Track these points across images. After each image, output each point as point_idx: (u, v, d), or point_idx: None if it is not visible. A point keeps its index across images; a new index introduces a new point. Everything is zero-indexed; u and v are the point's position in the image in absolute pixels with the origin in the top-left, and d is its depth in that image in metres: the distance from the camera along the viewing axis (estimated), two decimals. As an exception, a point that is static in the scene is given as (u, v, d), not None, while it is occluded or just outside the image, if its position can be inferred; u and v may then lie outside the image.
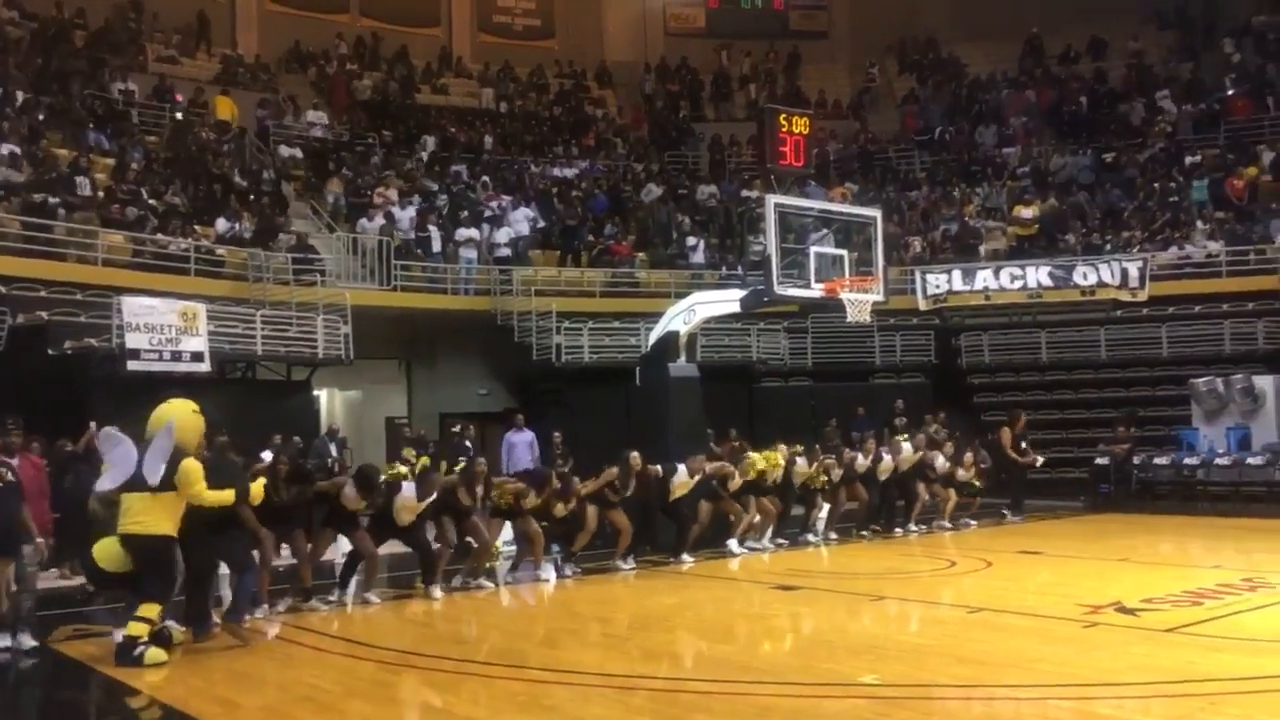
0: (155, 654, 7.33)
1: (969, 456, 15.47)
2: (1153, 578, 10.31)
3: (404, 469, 10.53)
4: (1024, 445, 16.67)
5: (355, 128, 24.07)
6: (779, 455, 13.02)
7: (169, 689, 6.81)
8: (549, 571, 11.36)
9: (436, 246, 19.93)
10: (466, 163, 23.86)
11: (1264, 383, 17.53)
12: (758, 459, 12.91)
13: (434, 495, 10.29)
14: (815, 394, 20.00)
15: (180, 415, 7.82)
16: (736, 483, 12.64)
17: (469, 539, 10.93)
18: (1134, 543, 13.41)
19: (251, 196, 19.59)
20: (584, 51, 30.68)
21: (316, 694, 6.71)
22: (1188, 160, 23.53)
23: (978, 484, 15.54)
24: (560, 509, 11.22)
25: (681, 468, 12.04)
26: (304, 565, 9.75)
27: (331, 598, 9.85)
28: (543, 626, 9.41)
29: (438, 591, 10.19)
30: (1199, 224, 21.52)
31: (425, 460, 11.50)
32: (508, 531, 11.69)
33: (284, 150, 21.85)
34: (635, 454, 11.65)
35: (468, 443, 15.34)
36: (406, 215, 20.39)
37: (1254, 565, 10.93)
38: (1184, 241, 21.35)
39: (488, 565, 11.09)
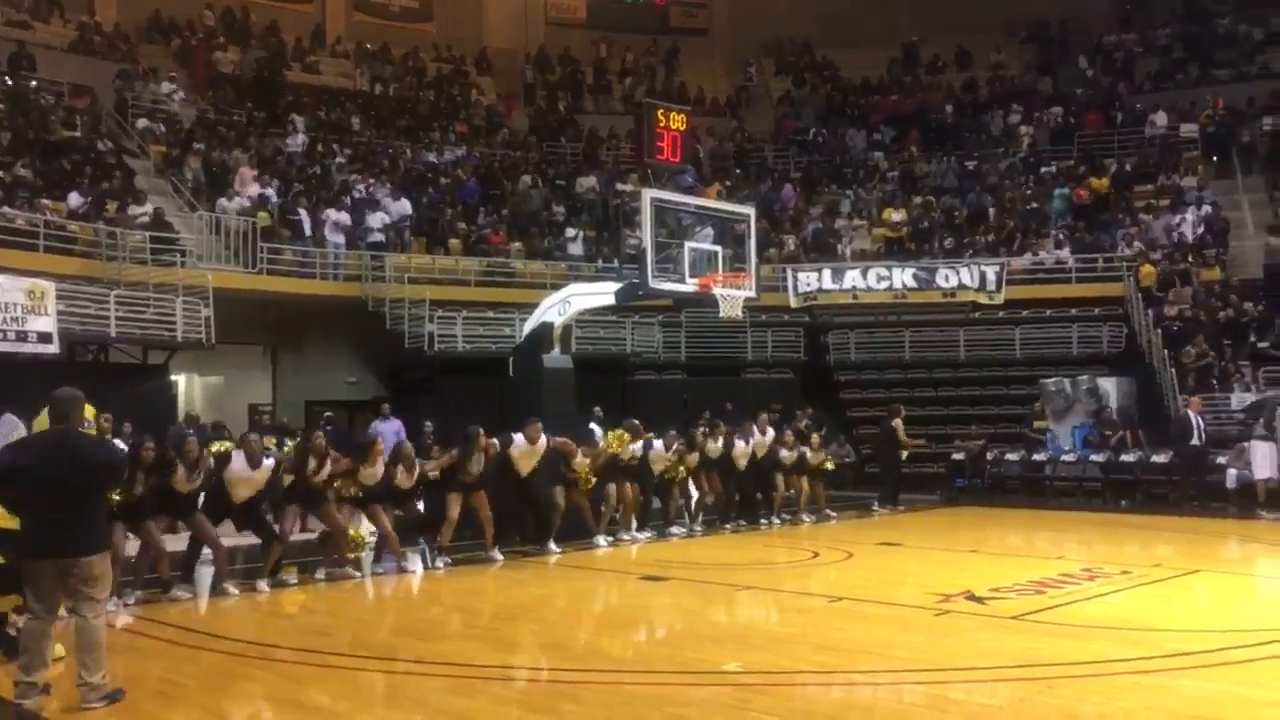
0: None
1: (815, 438, 15.85)
2: (1001, 568, 10.79)
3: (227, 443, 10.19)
4: (901, 436, 17.25)
5: (220, 103, 23.19)
6: (625, 434, 13.04)
7: (7, 682, 6.46)
8: (416, 563, 11.20)
9: (306, 230, 19.38)
10: (337, 144, 23.26)
11: (1108, 384, 18.57)
12: (610, 437, 12.90)
13: (270, 461, 9.97)
14: (688, 387, 20.25)
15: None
16: (584, 463, 12.56)
17: (325, 529, 10.69)
18: (985, 535, 14.02)
19: (114, 171, 18.68)
20: (462, 37, 30.28)
21: (168, 688, 6.48)
22: (1044, 170, 24.69)
23: (830, 466, 15.84)
24: (403, 479, 11.01)
25: (518, 437, 11.90)
26: (160, 556, 9.39)
27: (185, 592, 9.48)
28: (408, 618, 9.28)
29: (265, 584, 9.89)
30: (1052, 232, 22.61)
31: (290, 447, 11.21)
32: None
33: (142, 123, 20.88)
34: (477, 428, 11.45)
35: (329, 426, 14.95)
36: (273, 196, 19.75)
37: (1093, 556, 11.58)
38: (1038, 248, 22.40)
39: (352, 556, 10.85)
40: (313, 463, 10.24)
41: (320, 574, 10.56)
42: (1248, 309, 18.71)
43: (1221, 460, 15.52)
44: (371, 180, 21.73)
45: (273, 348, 19.81)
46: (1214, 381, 17.48)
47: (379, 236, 20.20)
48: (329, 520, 10.58)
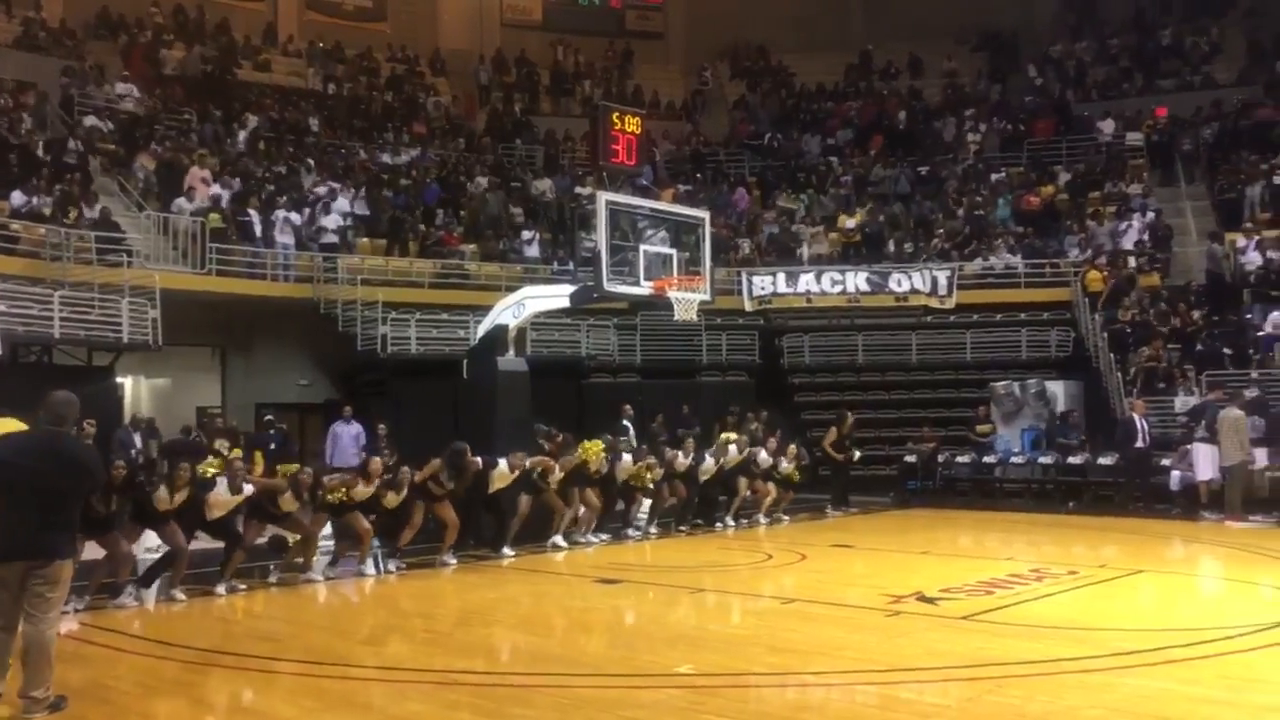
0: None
1: (791, 449, 15.99)
2: (951, 569, 10.92)
3: (215, 463, 10.16)
4: (847, 444, 17.36)
5: (170, 102, 22.84)
6: (600, 444, 13.10)
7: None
8: (371, 567, 11.10)
9: (257, 230, 19.13)
10: (290, 144, 23.00)
11: (1055, 387, 18.86)
12: (586, 447, 12.99)
13: (249, 489, 9.97)
14: (643, 390, 20.26)
15: None
16: (558, 476, 12.63)
17: (284, 534, 10.59)
18: (936, 536, 14.18)
19: (60, 170, 18.30)
20: (416, 37, 30.08)
21: (112, 695, 6.36)
22: (994, 177, 25.03)
23: (797, 478, 16.03)
24: (391, 499, 10.98)
25: (503, 462, 11.98)
26: (124, 565, 9.26)
27: (131, 599, 9.31)
28: (360, 622, 9.19)
29: (223, 589, 9.82)
30: (1002, 238, 22.93)
31: (238, 451, 11.08)
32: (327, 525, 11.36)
33: (90, 121, 20.50)
34: (465, 445, 11.52)
35: (274, 429, 14.89)
36: (224, 196, 19.48)
37: (1041, 557, 11.76)
38: (988, 253, 22.70)
39: (304, 559, 10.73)
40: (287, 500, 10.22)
41: (273, 578, 10.46)
42: (1194, 315, 19.09)
43: (1166, 462, 15.82)
44: (325, 181, 21.51)
45: (222, 349, 19.54)
46: (1160, 385, 17.79)
47: (332, 237, 19.99)
48: (298, 527, 10.49)
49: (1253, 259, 19.56)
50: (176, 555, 9.61)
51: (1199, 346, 18.32)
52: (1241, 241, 20.10)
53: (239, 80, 25.10)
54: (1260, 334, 17.81)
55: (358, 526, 10.85)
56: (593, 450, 13.03)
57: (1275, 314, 17.94)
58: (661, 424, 18.04)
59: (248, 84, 25.15)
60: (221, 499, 9.90)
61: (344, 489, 10.70)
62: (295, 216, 19.72)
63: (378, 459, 11.26)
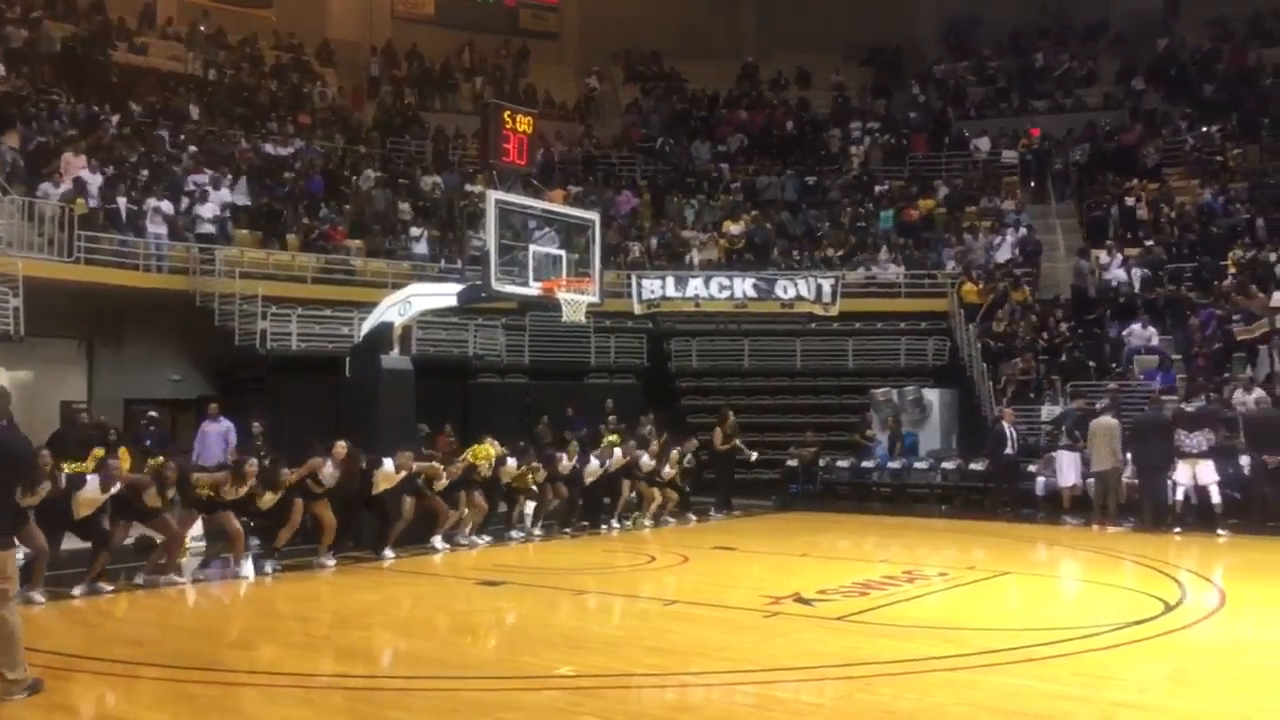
0: None
1: (674, 454, 16.13)
2: (829, 571, 11.19)
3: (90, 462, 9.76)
4: (737, 441, 17.58)
5: (39, 82, 21.76)
6: (489, 447, 13.01)
7: None
8: (247, 568, 10.78)
9: (125, 218, 18.36)
10: (167, 131, 22.16)
11: (932, 395, 19.50)
12: (475, 451, 12.87)
13: (117, 486, 9.59)
14: (531, 391, 20.18)
15: None
16: (443, 481, 12.50)
17: (152, 534, 10.22)
18: (816, 539, 14.48)
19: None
20: (304, 26, 29.33)
21: (-41, 706, 6.03)
22: (877, 189, 25.74)
23: (680, 482, 16.20)
24: (268, 499, 10.69)
25: (388, 462, 11.78)
26: None
27: None
28: (232, 625, 8.92)
29: (80, 591, 9.42)
30: (884, 248, 23.60)
31: (99, 452, 10.61)
32: (197, 526, 11.01)
33: (-52, 99, 19.41)
34: (341, 444, 11.30)
35: (152, 426, 14.33)
36: (95, 182, 18.66)
37: (915, 559, 12.13)
38: (871, 263, 23.33)
39: (180, 560, 10.37)
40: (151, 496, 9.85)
41: (140, 580, 10.06)
42: (1061, 328, 19.96)
43: (1032, 469, 16.49)
44: (203, 169, 20.79)
45: (89, 342, 18.68)
46: (1031, 395, 18.55)
47: (209, 228, 19.34)
48: (164, 528, 10.12)
49: (1116, 275, 20.58)
50: (36, 556, 9.16)
51: (1063, 358, 19.18)
52: (1104, 258, 21.13)
53: (114, 63, 24.09)
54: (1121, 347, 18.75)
55: (229, 527, 10.52)
56: (482, 454, 12.92)
57: (1135, 327, 18.92)
58: (547, 426, 18.00)
59: (123, 66, 24.14)
60: (89, 496, 9.52)
61: (213, 486, 10.35)
62: (166, 205, 19.00)
63: (254, 461, 10.92)
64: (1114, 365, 18.54)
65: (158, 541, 10.38)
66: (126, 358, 18.71)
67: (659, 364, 21.79)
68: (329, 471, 11.14)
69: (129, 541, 10.56)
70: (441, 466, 12.47)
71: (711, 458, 17.52)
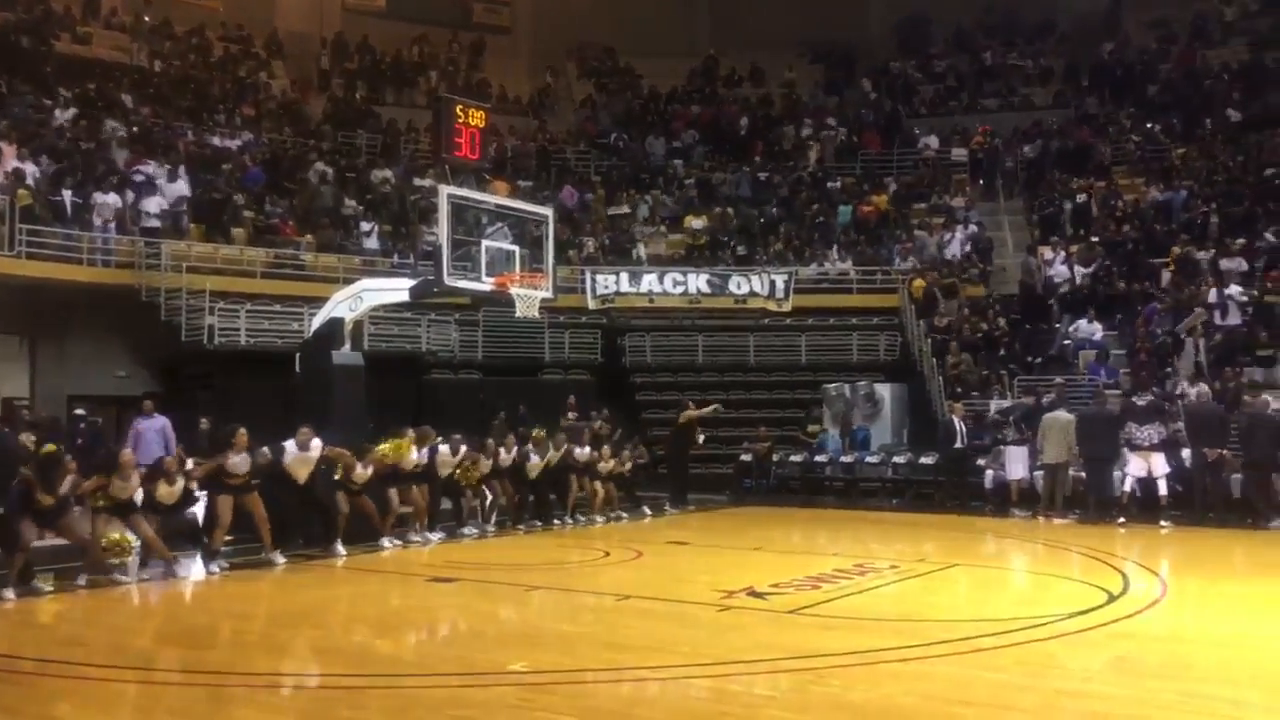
0: None
1: (626, 452, 16.12)
2: (782, 564, 11.24)
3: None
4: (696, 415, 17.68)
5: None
6: (407, 441, 12.78)
7: None
8: (190, 568, 10.59)
9: (69, 211, 17.99)
10: (112, 122, 21.72)
11: (883, 390, 19.68)
12: (384, 448, 12.53)
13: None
14: (484, 387, 20.07)
15: None
16: (363, 474, 12.22)
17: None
18: (769, 533, 14.57)
19: None
20: (252, 17, 28.91)
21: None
22: (830, 185, 25.92)
23: (626, 475, 16.13)
24: (164, 491, 10.47)
25: (289, 444, 11.47)
26: None
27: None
28: (175, 625, 8.77)
29: (10, 594, 9.13)
30: (836, 245, 23.78)
31: (51, 447, 10.37)
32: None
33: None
34: (242, 430, 11.05)
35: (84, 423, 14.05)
36: (30, 173, 18.23)
37: (867, 552, 12.23)
38: (823, 259, 23.50)
39: (116, 562, 10.15)
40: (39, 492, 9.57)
41: (81, 580, 9.85)
42: (1001, 324, 20.24)
43: (981, 462, 16.71)
44: (148, 162, 20.41)
45: (31, 337, 18.29)
46: (974, 391, 18.78)
47: (155, 222, 19.00)
48: (68, 534, 9.88)
49: (1060, 272, 20.91)
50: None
51: (1001, 352, 19.47)
52: (1049, 254, 21.47)
53: (56, 52, 23.58)
54: (1066, 342, 19.06)
55: (141, 533, 10.21)
56: (391, 446, 12.62)
57: (1081, 322, 19.24)
58: (505, 422, 17.89)
59: (65, 56, 23.64)
60: None
61: (100, 494, 10.05)
62: (113, 198, 18.64)
63: (127, 452, 10.63)
64: (1046, 358, 18.82)
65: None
66: (70, 354, 18.35)
67: (613, 360, 21.77)
68: (235, 460, 10.91)
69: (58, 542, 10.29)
70: (353, 457, 12.08)
71: (669, 452, 17.51)
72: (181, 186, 20.14)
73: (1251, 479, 14.15)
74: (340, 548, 11.82)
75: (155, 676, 6.62)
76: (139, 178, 19.76)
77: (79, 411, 15.61)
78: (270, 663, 7.04)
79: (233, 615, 9.01)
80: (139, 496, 10.28)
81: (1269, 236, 19.80)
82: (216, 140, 22.90)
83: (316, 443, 11.62)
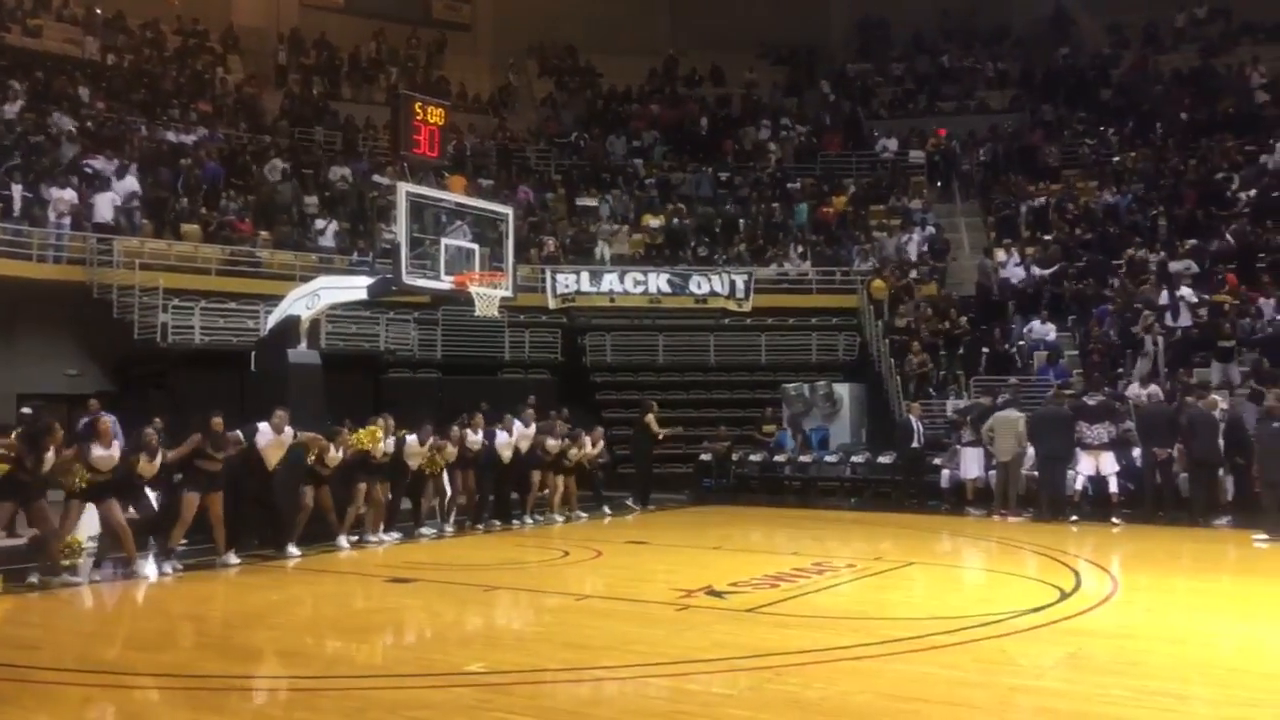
0: None
1: (599, 430, 16.10)
2: (740, 563, 11.29)
3: None
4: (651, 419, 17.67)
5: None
6: (378, 430, 12.73)
7: None
8: (146, 568, 10.44)
9: (16, 207, 17.66)
10: (62, 116, 21.34)
11: (842, 389, 19.83)
12: (360, 434, 12.51)
13: None
14: (444, 386, 19.95)
15: None
16: (336, 457, 12.15)
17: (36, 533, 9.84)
18: (729, 532, 14.63)
19: None
20: (207, 11, 28.55)
21: None
22: (789, 186, 26.07)
23: (597, 460, 16.15)
24: (144, 466, 10.34)
25: (263, 425, 11.40)
26: None
27: None
28: (131, 627, 8.65)
29: None
30: (795, 245, 23.93)
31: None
32: (93, 525, 10.61)
33: None
34: (218, 418, 10.95)
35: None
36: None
37: (825, 551, 12.32)
38: (783, 260, 23.62)
39: (67, 563, 9.99)
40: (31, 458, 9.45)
41: (34, 579, 9.67)
42: (961, 323, 20.48)
43: (937, 461, 16.89)
44: (100, 156, 20.07)
45: (-22, 335, 17.95)
46: (931, 390, 18.99)
47: (107, 218, 18.69)
48: (39, 520, 9.73)
49: (1015, 273, 21.19)
50: None
51: (960, 351, 19.69)
52: (1002, 256, 21.75)
53: (5, 44, 23.12)
54: (1020, 343, 19.31)
55: (112, 519, 10.14)
56: (366, 433, 12.57)
57: (1035, 323, 19.50)
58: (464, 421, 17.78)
59: (14, 49, 23.19)
60: None
61: (80, 466, 9.94)
62: (67, 194, 18.32)
63: (105, 418, 10.52)
64: (1017, 362, 19.07)
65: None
66: (19, 351, 18.02)
67: (574, 359, 21.75)
68: (211, 438, 10.80)
69: (21, 541, 10.16)
70: (327, 441, 12.05)
71: (633, 451, 17.54)
72: (132, 183, 19.83)
73: (1196, 478, 14.43)
74: (294, 549, 11.70)
75: (107, 680, 6.51)
76: (91, 172, 19.44)
77: (25, 410, 15.31)
78: (225, 665, 6.95)
79: (188, 617, 8.89)
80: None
81: (1223, 240, 20.16)
82: (171, 135, 22.58)
83: (289, 429, 11.53)
